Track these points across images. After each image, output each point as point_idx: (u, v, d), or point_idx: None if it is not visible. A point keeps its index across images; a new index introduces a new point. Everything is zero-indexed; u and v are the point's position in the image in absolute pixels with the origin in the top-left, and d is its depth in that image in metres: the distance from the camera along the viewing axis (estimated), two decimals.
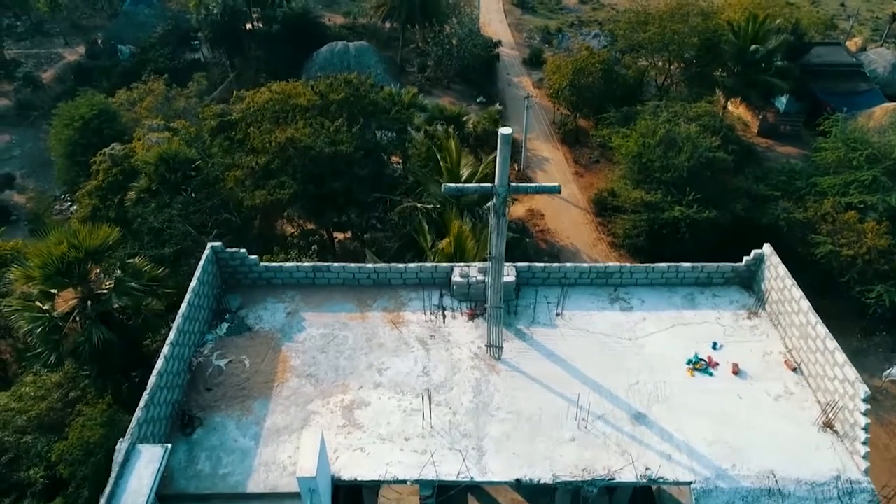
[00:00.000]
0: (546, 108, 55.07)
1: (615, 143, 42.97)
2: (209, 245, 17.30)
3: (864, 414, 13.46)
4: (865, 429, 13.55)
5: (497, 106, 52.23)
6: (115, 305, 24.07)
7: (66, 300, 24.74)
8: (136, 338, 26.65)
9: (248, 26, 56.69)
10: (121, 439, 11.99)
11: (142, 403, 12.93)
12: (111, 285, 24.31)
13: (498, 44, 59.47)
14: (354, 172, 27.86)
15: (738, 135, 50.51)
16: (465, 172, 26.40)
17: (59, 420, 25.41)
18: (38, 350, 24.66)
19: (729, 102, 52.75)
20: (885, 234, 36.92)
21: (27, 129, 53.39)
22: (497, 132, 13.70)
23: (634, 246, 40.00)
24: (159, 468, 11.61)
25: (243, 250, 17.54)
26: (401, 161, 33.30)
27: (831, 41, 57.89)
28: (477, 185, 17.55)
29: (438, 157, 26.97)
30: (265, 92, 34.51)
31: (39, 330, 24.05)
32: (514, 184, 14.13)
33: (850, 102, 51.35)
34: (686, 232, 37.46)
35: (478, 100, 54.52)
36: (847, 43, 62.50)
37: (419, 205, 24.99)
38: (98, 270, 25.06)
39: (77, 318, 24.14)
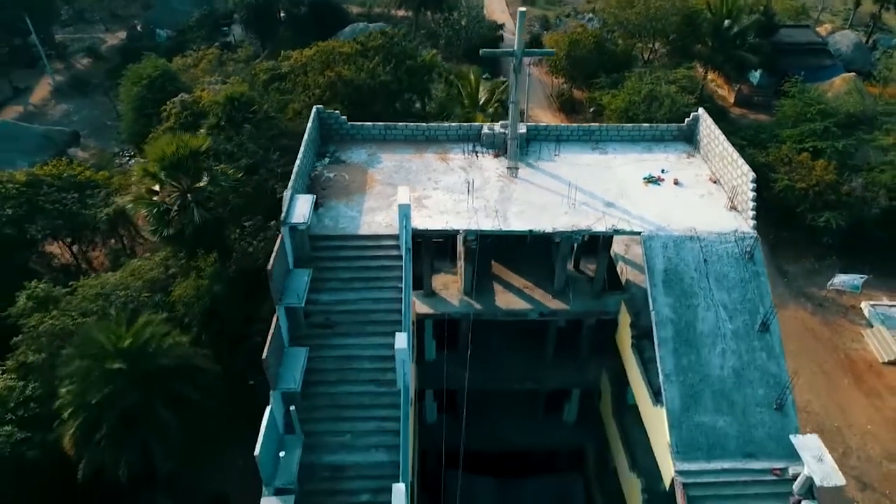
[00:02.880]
0: (545, 82, 63.89)
1: (605, 101, 51.67)
2: (314, 107, 25.54)
3: (752, 192, 21.71)
4: (753, 203, 21.76)
5: (501, 78, 60.95)
6: (210, 191, 32.52)
7: (166, 194, 33.25)
8: (222, 224, 35.04)
9: (280, 10, 65.54)
10: (286, 191, 20.25)
11: (291, 182, 21.19)
12: (206, 180, 32.72)
13: (501, 27, 68.58)
14: (391, 97, 36.30)
15: (714, 100, 59.26)
16: (483, 96, 34.92)
17: (164, 285, 33.71)
18: (153, 228, 33.10)
19: (708, 76, 61.56)
20: (833, 171, 45.50)
21: (82, 100, 61.99)
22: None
23: None
24: (311, 203, 19.90)
25: (337, 112, 25.90)
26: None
27: (800, 24, 67.16)
28: (503, 49, 25.82)
29: (460, 85, 35.45)
30: (309, 50, 43.20)
31: (154, 213, 32.51)
32: (525, 49, 22.51)
33: (815, 76, 60.16)
34: None
35: (484, 76, 63.28)
36: (818, 28, 71.79)
37: None
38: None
39: (177, 208, 32.54)
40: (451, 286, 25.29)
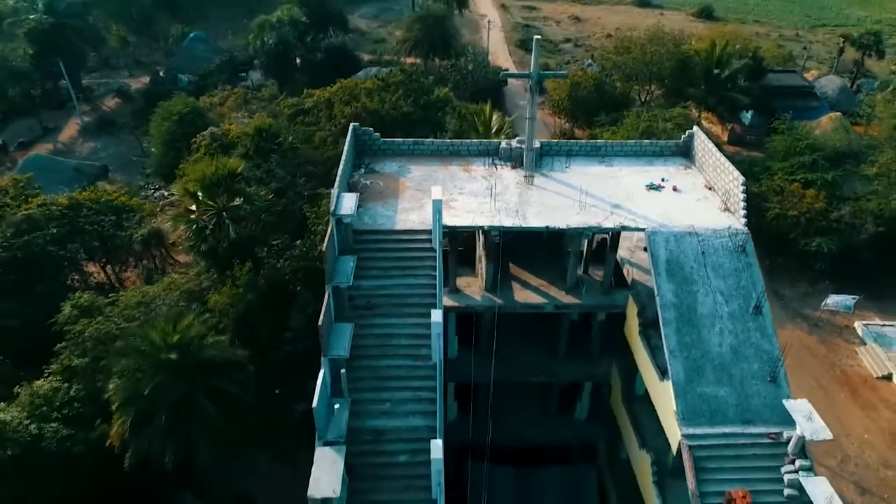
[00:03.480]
0: (549, 123, 67.87)
1: (605, 137, 55.30)
2: (351, 125, 28.77)
3: (743, 194, 24.72)
4: (744, 204, 24.73)
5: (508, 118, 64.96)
6: (244, 210, 35.60)
7: (202, 213, 36.32)
8: (254, 241, 37.96)
9: (297, 56, 70.00)
10: (332, 189, 23.23)
11: (336, 184, 24.20)
12: (241, 200, 35.86)
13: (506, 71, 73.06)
14: (411, 127, 39.78)
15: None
16: (495, 125, 38.42)
17: (199, 296, 36.38)
18: (191, 243, 36.06)
19: (702, 116, 65.66)
20: (822, 200, 48.83)
21: (108, 138, 65.75)
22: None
23: None
24: (355, 200, 22.89)
25: (370, 129, 29.16)
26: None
27: (788, 69, 71.81)
28: (520, 71, 29.26)
29: (474, 116, 39.00)
30: (333, 87, 47.05)
31: (193, 229, 35.53)
32: (541, 71, 25.87)
33: (803, 115, 64.24)
34: None
35: None
36: (806, 74, 76.49)
37: None
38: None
39: (213, 225, 35.56)
40: (472, 285, 28.01)
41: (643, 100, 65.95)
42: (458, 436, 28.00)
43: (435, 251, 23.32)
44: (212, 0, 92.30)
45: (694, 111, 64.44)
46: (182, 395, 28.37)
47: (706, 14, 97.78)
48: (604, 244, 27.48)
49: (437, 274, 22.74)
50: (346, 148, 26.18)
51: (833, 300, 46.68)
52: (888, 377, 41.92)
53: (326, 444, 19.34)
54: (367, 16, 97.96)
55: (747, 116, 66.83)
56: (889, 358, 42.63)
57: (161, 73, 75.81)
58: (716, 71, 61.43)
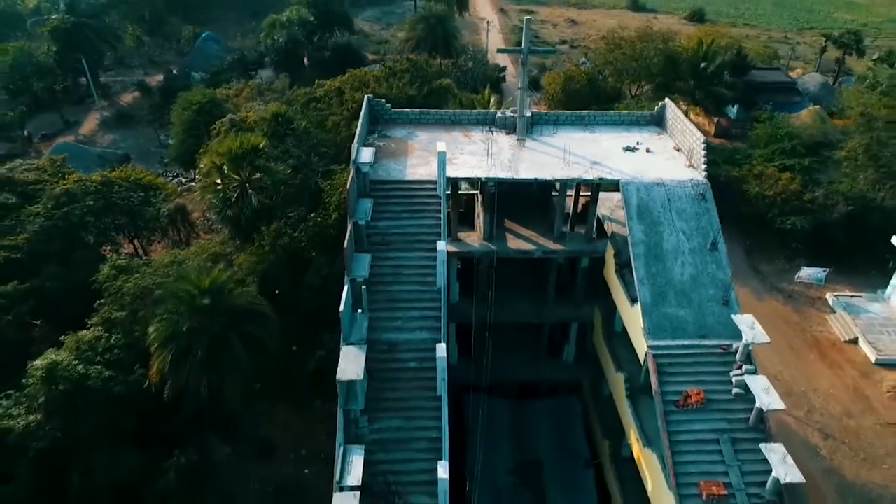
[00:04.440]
0: None
1: None
2: (366, 96, 33.43)
3: (704, 151, 29.31)
4: (706, 159, 29.32)
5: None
6: (264, 181, 40.14)
7: (227, 184, 40.93)
8: (273, 210, 42.44)
9: (305, 55, 74.91)
10: (353, 144, 27.81)
11: (355, 141, 28.82)
12: (261, 175, 40.45)
13: (504, 69, 78.03)
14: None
15: None
16: (493, 107, 43.13)
17: (225, 258, 40.86)
18: (217, 210, 40.64)
19: (689, 111, 70.42)
20: (797, 182, 53.48)
21: (127, 130, 70.53)
22: None
23: None
24: (372, 152, 27.57)
25: (382, 100, 33.82)
26: None
27: (772, 67, 76.80)
28: (513, 47, 33.92)
29: (475, 101, 43.67)
30: (344, 75, 51.81)
31: (220, 197, 40.12)
32: (532, 47, 30.53)
33: (785, 109, 69.11)
34: None
35: None
36: (791, 73, 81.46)
37: None
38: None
39: (237, 196, 40.17)
40: (472, 236, 32.57)
41: (633, 94, 70.76)
42: (459, 376, 32.35)
43: (439, 197, 27.90)
44: (221, 3, 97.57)
45: (682, 105, 69.24)
46: (216, 335, 32.82)
47: (697, 17, 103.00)
48: (587, 207, 32.08)
49: (442, 216, 27.31)
50: (361, 115, 30.87)
51: (805, 273, 51.26)
52: (854, 341, 46.22)
53: (350, 344, 23.77)
54: (371, 19, 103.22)
55: (733, 110, 71.53)
56: (856, 324, 46.95)
57: (175, 72, 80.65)
58: (702, 65, 66.22)
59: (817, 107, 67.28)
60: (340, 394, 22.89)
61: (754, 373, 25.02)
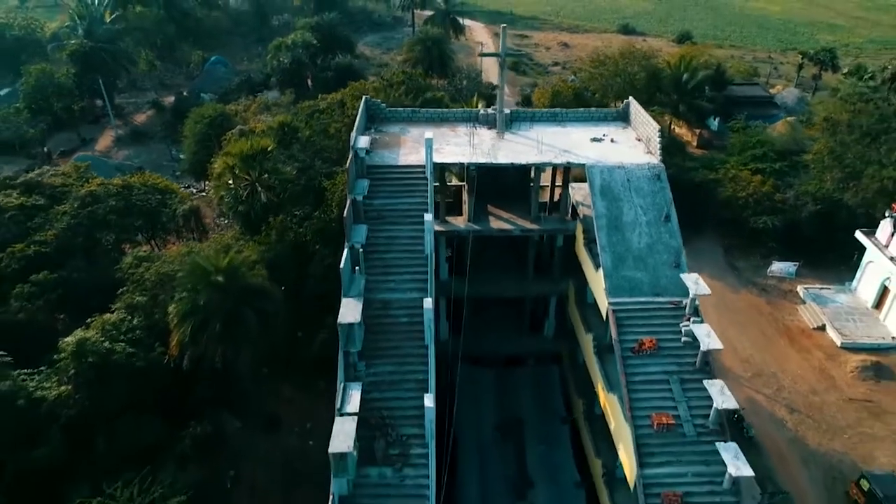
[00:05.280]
0: None
1: None
2: (363, 97, 38.29)
3: (659, 139, 33.96)
4: (660, 147, 33.94)
5: None
6: (272, 181, 44.89)
7: (239, 184, 45.75)
8: (280, 207, 47.07)
9: (309, 77, 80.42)
10: (352, 133, 32.57)
11: (353, 133, 33.58)
12: (269, 175, 45.22)
13: (496, 87, 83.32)
14: None
15: (678, 141, 72.81)
16: (480, 107, 48.15)
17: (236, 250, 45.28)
18: (229, 206, 45.33)
19: (673, 124, 75.44)
20: (769, 184, 58.13)
21: (140, 147, 75.73)
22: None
23: None
24: (369, 140, 32.29)
25: (378, 100, 38.69)
26: None
27: (751, 82, 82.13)
28: (491, 51, 38.96)
29: (465, 104, 48.65)
30: (346, 88, 56.96)
31: (232, 194, 44.87)
32: (508, 52, 35.39)
33: (763, 121, 74.11)
34: None
35: None
36: (772, 89, 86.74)
37: None
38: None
39: (247, 193, 44.91)
40: (458, 220, 37.17)
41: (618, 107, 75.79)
42: (450, 351, 36.47)
43: (427, 179, 32.53)
44: (228, 29, 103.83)
45: (666, 119, 74.32)
46: (230, 310, 37.14)
47: (685, 40, 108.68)
48: (562, 195, 36.71)
49: (429, 194, 31.90)
50: (359, 113, 35.75)
51: (777, 266, 55.58)
52: (822, 328, 50.33)
53: (348, 297, 28.17)
54: (372, 44, 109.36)
55: (714, 123, 76.59)
56: (824, 313, 51.11)
57: (185, 93, 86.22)
58: (683, 80, 71.38)
59: (792, 118, 72.25)
60: (341, 337, 27.23)
61: (701, 322, 29.25)
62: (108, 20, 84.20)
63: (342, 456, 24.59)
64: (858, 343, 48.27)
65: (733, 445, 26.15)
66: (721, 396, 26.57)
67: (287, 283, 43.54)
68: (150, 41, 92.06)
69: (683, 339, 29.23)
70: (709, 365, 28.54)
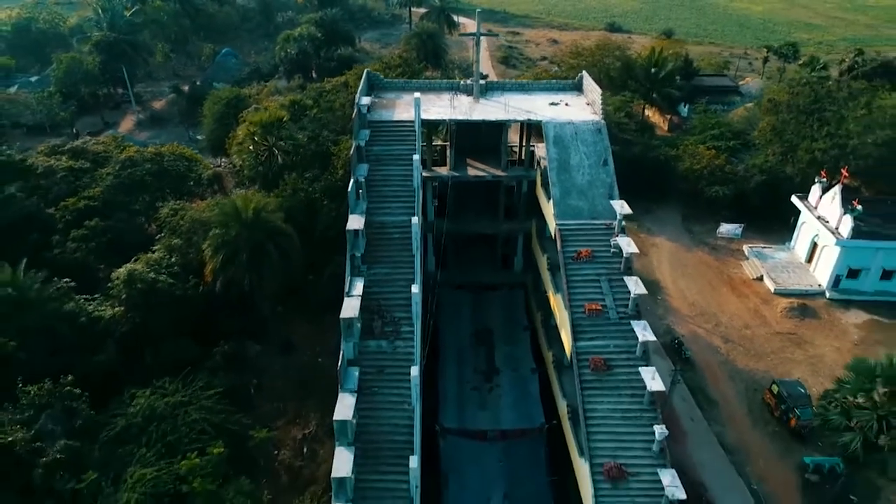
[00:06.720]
0: None
1: None
2: (365, 70, 48.37)
3: (601, 102, 43.98)
4: (602, 108, 43.95)
5: None
6: (286, 145, 54.79)
7: (258, 148, 55.73)
8: (294, 168, 56.99)
9: (313, 67, 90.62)
10: (357, 93, 42.67)
11: (357, 95, 43.61)
12: (284, 140, 55.18)
13: (486, 76, 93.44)
14: None
15: (649, 125, 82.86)
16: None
17: None
18: (249, 166, 55.30)
19: (646, 110, 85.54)
20: (722, 158, 68.11)
21: (160, 129, 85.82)
22: None
23: None
24: (370, 99, 42.37)
25: (377, 72, 48.78)
26: None
27: (719, 73, 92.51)
28: (471, 32, 49.18)
29: None
30: (349, 70, 67.16)
31: (252, 159, 54.86)
32: (483, 32, 45.45)
33: (727, 107, 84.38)
34: None
35: None
36: (742, 81, 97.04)
37: None
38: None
39: (265, 157, 54.88)
40: (443, 169, 47.26)
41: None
42: (437, 279, 46.21)
43: (415, 132, 42.51)
44: (237, 25, 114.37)
45: (639, 106, 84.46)
46: (256, 243, 46.86)
47: (667, 36, 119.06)
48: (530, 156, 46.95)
49: (417, 143, 41.91)
50: (361, 82, 45.86)
51: (725, 228, 65.52)
52: (760, 278, 60.15)
53: (353, 214, 38.11)
54: (371, 39, 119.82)
55: (684, 109, 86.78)
56: (763, 266, 60.96)
57: (198, 83, 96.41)
58: (653, 70, 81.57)
59: (751, 104, 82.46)
60: (349, 242, 37.15)
61: (626, 238, 39.16)
62: (128, 14, 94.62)
63: (350, 323, 34.38)
64: (789, 289, 57.98)
65: (643, 322, 35.91)
66: (636, 287, 36.42)
67: (299, 230, 53.28)
68: (165, 34, 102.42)
69: (612, 250, 39.10)
70: (630, 268, 38.40)
